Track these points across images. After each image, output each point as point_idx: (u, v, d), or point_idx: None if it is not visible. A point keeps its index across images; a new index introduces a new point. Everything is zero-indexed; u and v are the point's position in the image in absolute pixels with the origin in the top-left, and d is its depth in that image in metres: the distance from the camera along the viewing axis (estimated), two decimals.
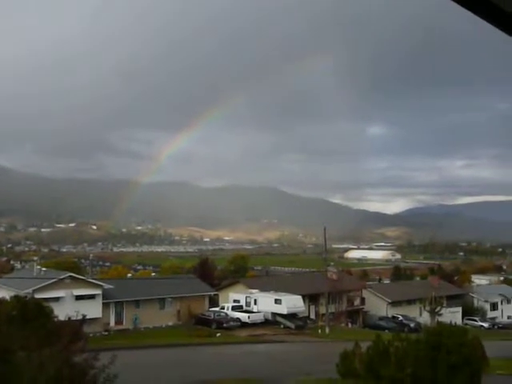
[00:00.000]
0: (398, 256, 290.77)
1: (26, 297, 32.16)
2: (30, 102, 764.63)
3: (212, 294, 63.40)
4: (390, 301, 71.55)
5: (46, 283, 46.61)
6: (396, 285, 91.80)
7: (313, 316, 64.16)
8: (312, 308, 65.37)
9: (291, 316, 55.57)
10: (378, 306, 71.49)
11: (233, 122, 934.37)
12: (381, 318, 66.65)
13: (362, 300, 72.16)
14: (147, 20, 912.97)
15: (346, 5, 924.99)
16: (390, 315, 68.96)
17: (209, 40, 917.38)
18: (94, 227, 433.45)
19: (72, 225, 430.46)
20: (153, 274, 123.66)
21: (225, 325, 52.54)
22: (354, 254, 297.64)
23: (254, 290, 59.80)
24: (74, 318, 21.52)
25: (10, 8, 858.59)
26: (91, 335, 40.15)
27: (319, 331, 54.30)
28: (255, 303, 57.44)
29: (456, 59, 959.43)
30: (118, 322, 52.45)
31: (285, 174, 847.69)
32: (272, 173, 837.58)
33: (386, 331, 48.15)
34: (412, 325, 62.42)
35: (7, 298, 37.43)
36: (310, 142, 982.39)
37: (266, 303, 56.52)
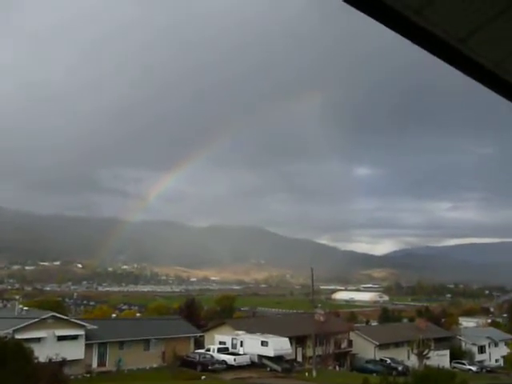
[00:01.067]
0: (386, 298, 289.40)
1: (5, 337, 31.47)
2: (17, 138, 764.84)
3: (198, 335, 62.48)
4: (377, 343, 70.81)
5: (28, 323, 45.66)
6: (384, 327, 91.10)
7: (300, 359, 63.21)
8: (299, 350, 64.46)
9: (278, 358, 54.80)
10: (365, 349, 70.67)
11: (220, 162, 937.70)
12: (368, 361, 65.84)
13: (350, 342, 71.35)
14: (137, 60, 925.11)
15: (334, 48, 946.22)
16: (377, 358, 68.13)
17: (196, 82, 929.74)
18: (80, 266, 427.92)
19: (57, 263, 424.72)
20: (138, 314, 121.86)
21: (210, 367, 51.65)
22: (342, 296, 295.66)
23: (240, 332, 59.02)
24: (55, 360, 21.07)
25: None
26: (72, 377, 39.22)
27: (306, 374, 53.49)
28: (241, 345, 56.66)
29: (443, 107, 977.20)
30: (101, 363, 51.29)
31: (272, 214, 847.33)
32: (259, 213, 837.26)
33: (374, 374, 47.64)
34: (400, 368, 61.68)
35: None
36: (296, 182, 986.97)
37: (252, 345, 55.75)
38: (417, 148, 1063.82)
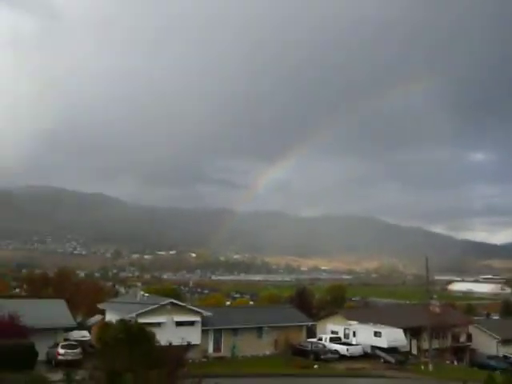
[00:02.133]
0: (508, 290, 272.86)
1: (130, 321, 33.38)
2: (133, 135, 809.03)
3: (309, 324, 62.53)
4: (500, 338, 66.91)
5: (149, 308, 48.17)
6: (506, 321, 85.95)
7: (414, 351, 61.29)
8: (414, 343, 62.51)
9: (391, 350, 53.44)
10: (486, 344, 67.06)
11: (327, 151, 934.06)
12: (490, 357, 62.33)
13: (469, 336, 68.13)
14: (255, 51, 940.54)
15: (453, 27, 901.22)
16: (500, 354, 64.40)
17: (306, 73, 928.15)
18: (193, 255, 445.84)
19: (172, 252, 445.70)
20: (250, 302, 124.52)
21: (322, 356, 51.49)
22: (459, 287, 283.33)
23: (352, 322, 58.33)
24: (176, 344, 21.99)
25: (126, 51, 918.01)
26: (190, 361, 40.86)
27: (422, 367, 51.72)
28: (354, 335, 56.01)
29: None
30: (217, 349, 52.98)
31: (382, 203, 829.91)
32: (369, 201, 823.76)
33: (497, 372, 45.00)
34: None
35: (113, 321, 39.10)
36: (406, 169, 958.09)
37: (365, 335, 54.90)
38: None
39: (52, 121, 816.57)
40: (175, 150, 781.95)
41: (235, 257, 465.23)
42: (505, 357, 62.90)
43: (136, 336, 23.77)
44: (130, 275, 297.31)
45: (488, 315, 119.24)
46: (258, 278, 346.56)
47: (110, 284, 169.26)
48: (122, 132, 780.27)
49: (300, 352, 52.81)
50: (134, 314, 45.49)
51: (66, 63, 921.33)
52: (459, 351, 65.96)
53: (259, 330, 56.55)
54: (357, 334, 55.78)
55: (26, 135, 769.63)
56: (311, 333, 62.44)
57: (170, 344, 22.87)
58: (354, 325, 57.31)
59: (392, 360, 52.27)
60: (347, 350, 53.40)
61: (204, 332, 51.59)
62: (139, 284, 67.49)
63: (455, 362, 62.94)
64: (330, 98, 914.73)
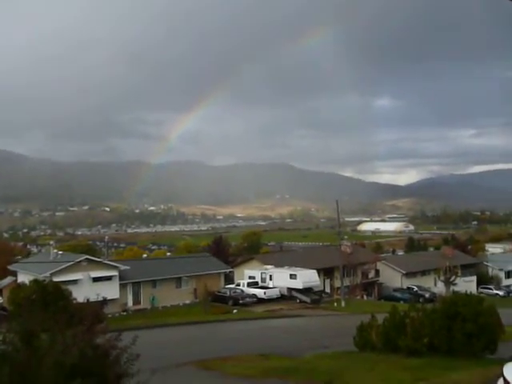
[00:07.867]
0: (412, 227, 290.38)
1: (44, 280, 32.71)
2: (40, 89, 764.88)
3: (227, 271, 63.83)
4: (404, 272, 71.72)
5: (64, 266, 47.20)
6: (410, 256, 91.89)
7: (328, 290, 64.51)
8: (327, 282, 65.73)
9: (307, 290, 55.95)
10: (392, 278, 71.71)
11: (240, 100, 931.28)
12: (396, 290, 66.88)
13: (377, 272, 72.40)
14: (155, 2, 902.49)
15: None
16: (404, 286, 69.16)
17: (213, 20, 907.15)
18: (108, 209, 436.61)
19: (85, 208, 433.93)
20: (168, 253, 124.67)
21: (241, 301, 53.04)
22: (367, 227, 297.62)
23: (268, 266, 60.19)
24: (93, 300, 21.92)
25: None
26: (110, 316, 40.84)
27: (335, 304, 54.70)
28: (270, 279, 57.88)
29: (465, 29, 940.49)
30: (136, 302, 53.13)
31: (295, 149, 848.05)
32: (282, 148, 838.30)
33: (401, 302, 48.46)
34: (427, 295, 62.52)
35: (26, 282, 38.06)
36: (318, 116, 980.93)
37: (281, 278, 56.92)
38: (438, 77, 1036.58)
39: None
40: (84, 103, 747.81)
41: (150, 209, 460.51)
42: (408, 288, 67.66)
43: (51, 295, 23.40)
44: (42, 234, 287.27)
45: (394, 251, 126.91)
46: (174, 228, 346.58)
47: (21, 244, 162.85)
48: (26, 85, 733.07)
49: (219, 298, 54.04)
50: (48, 274, 44.45)
51: None
52: (368, 286, 70.12)
53: (178, 279, 57.12)
54: (273, 277, 57.68)
55: None
56: (229, 279, 63.91)
57: (88, 300, 22.74)
58: (270, 269, 59.17)
59: (307, 300, 54.78)
60: (264, 293, 55.28)
61: (122, 286, 51.45)
62: (52, 242, 65.17)
63: (365, 297, 66.94)
64: (241, 48, 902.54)
